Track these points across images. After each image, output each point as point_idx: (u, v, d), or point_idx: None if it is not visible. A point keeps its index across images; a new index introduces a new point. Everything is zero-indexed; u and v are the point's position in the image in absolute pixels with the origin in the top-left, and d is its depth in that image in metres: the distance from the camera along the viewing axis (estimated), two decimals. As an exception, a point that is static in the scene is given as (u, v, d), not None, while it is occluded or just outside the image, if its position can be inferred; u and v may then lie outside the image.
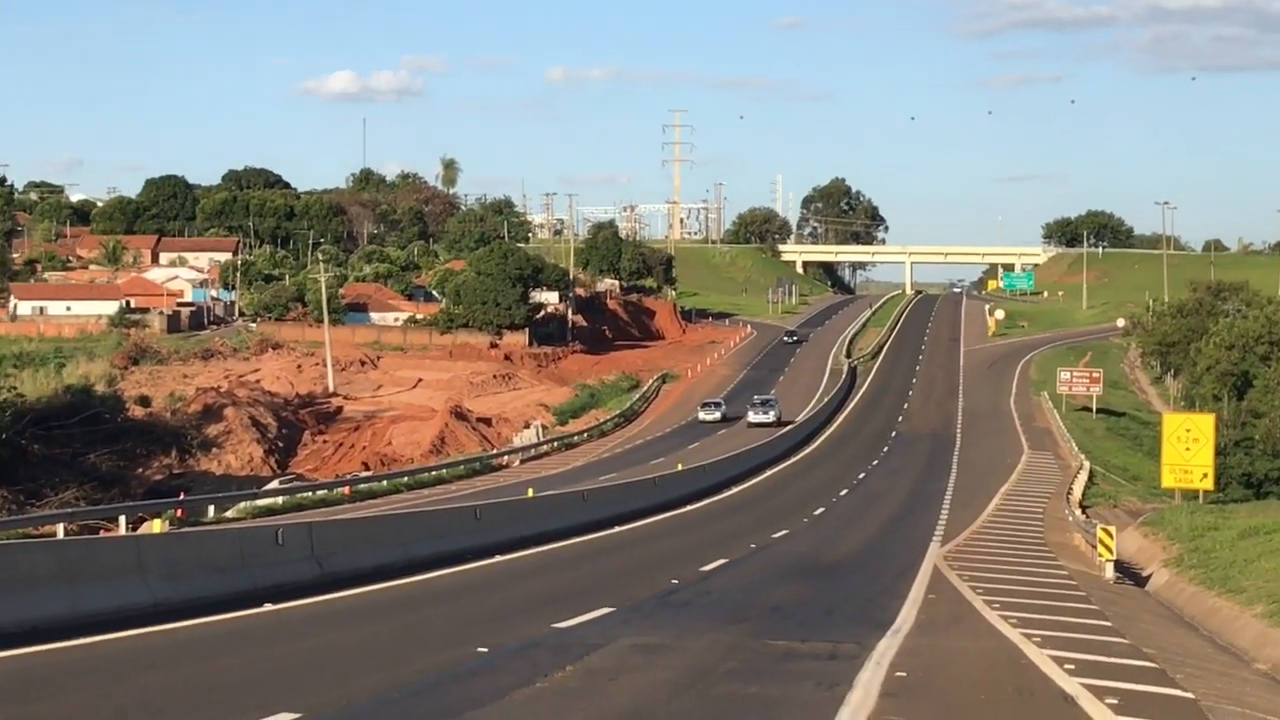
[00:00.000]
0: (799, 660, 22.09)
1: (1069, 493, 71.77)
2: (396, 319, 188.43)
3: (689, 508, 63.22)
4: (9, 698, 17.16)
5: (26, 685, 18.17)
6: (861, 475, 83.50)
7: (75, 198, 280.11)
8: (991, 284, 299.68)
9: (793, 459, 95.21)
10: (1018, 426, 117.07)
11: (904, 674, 20.82)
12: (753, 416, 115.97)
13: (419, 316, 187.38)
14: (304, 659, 21.06)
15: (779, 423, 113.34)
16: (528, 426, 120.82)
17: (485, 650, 21.88)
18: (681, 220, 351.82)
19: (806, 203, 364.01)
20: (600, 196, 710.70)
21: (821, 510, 62.52)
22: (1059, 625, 27.24)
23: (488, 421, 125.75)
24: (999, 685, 20.81)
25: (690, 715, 17.22)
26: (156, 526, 40.27)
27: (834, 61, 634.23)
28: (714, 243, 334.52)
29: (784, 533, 50.76)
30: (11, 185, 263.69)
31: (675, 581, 33.61)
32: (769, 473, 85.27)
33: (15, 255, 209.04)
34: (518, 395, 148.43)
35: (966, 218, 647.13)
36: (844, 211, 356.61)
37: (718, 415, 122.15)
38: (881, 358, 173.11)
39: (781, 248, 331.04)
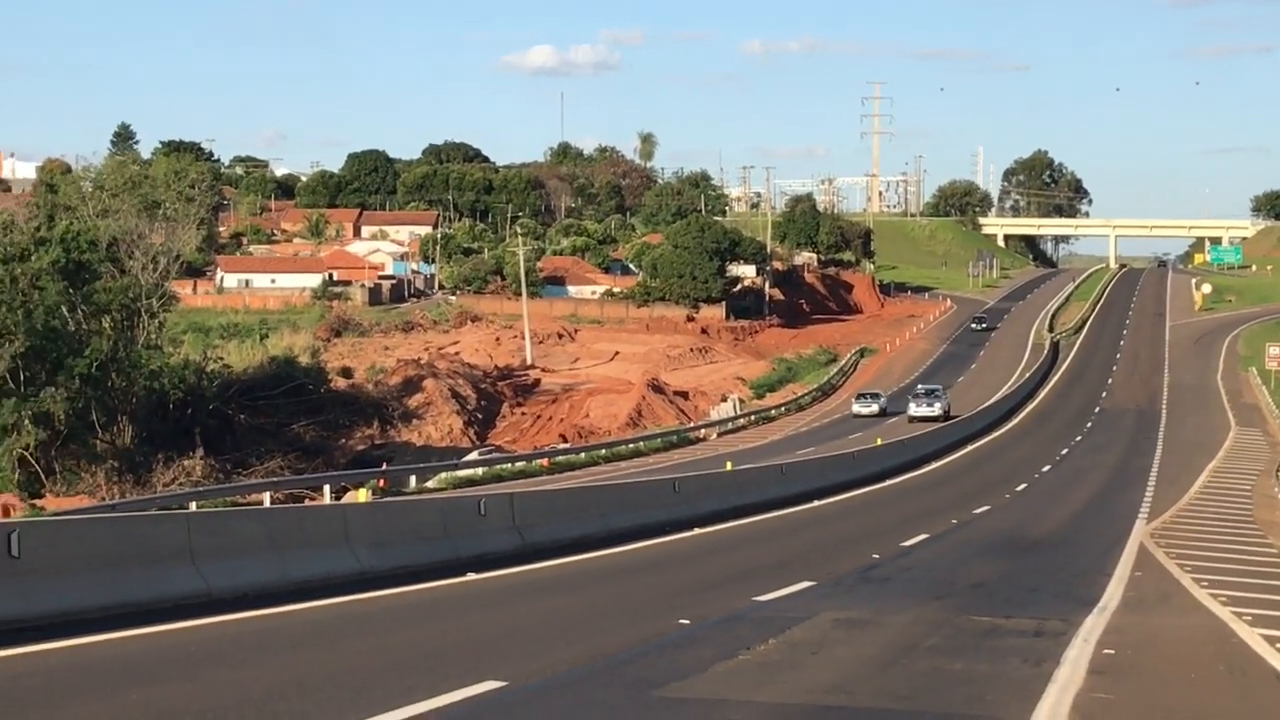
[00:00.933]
0: (1004, 637, 21.83)
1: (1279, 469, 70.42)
2: (594, 292, 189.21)
3: (889, 482, 62.82)
4: (223, 661, 17.44)
5: (240, 649, 18.45)
6: (1064, 451, 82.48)
7: (279, 172, 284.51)
8: (1198, 258, 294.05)
9: (994, 434, 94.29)
10: (1225, 402, 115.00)
11: (1112, 651, 20.49)
12: (915, 409, 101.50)
13: (616, 290, 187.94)
14: (506, 628, 21.17)
15: (946, 416, 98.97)
16: (724, 400, 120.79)
17: (687, 622, 21.86)
18: (880, 193, 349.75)
19: (1008, 175, 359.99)
20: (797, 169, 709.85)
21: (1024, 486, 61.83)
22: (1271, 604, 26.66)
23: (684, 395, 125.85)
24: (1209, 663, 20.40)
25: (895, 690, 17.06)
26: (362, 496, 40.76)
27: (1036, 32, 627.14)
28: (913, 216, 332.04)
29: (986, 508, 50.25)
30: (218, 160, 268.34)
31: (876, 556, 33.40)
32: (970, 448, 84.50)
33: (222, 229, 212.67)
34: (714, 369, 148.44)
35: (1172, 190, 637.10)
36: (1046, 184, 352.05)
37: (875, 409, 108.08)
38: (1085, 332, 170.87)
39: (982, 220, 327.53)
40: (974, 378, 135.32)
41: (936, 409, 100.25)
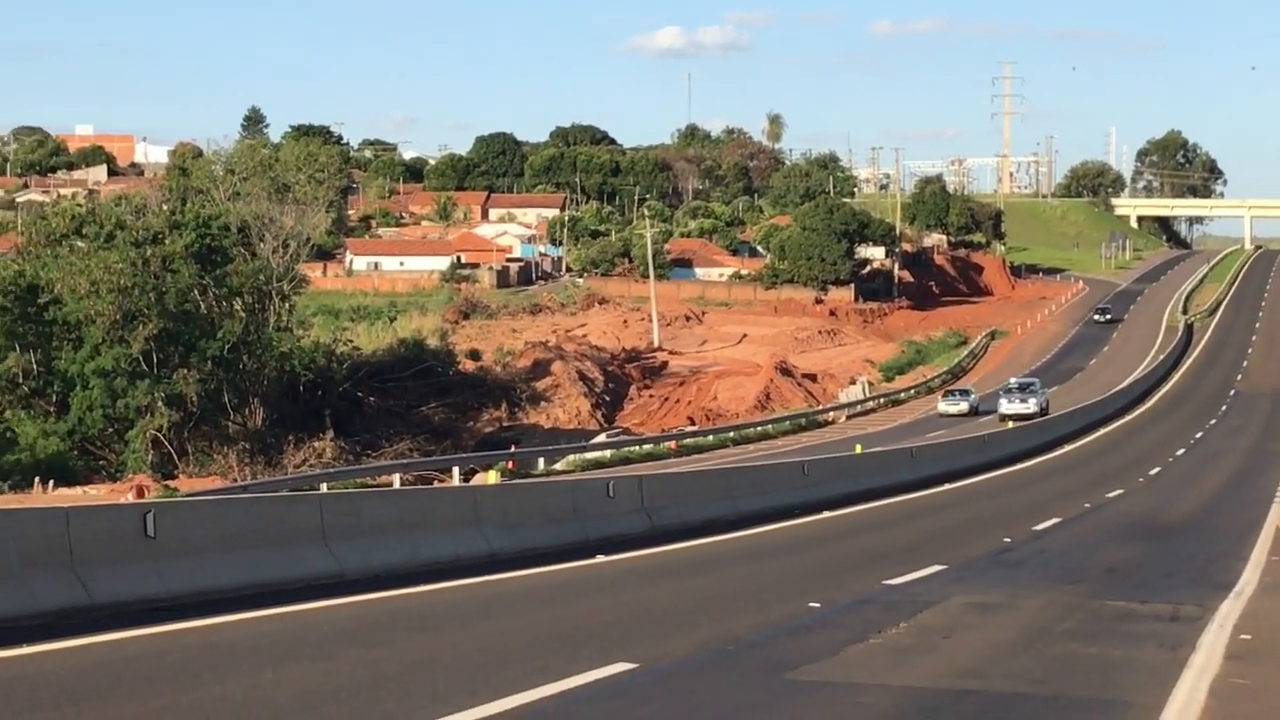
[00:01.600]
0: (1138, 621, 21.57)
1: None
2: (721, 274, 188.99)
3: (1019, 466, 62.35)
4: (356, 641, 17.54)
5: (372, 629, 18.56)
6: (1199, 434, 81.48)
7: (408, 155, 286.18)
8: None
9: (1126, 417, 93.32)
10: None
11: (1248, 637, 20.17)
12: (1006, 406, 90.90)
13: (744, 272, 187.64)
14: (636, 610, 21.17)
15: (1043, 413, 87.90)
16: (853, 383, 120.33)
17: (817, 605, 21.77)
18: (1011, 174, 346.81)
19: (1140, 156, 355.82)
20: (927, 150, 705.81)
21: (1157, 470, 61.12)
22: None
23: (813, 377, 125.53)
24: (1350, 651, 20.05)
25: (1028, 674, 16.89)
26: (491, 478, 40.98)
27: (1168, 11, 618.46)
28: (1044, 197, 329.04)
29: (1118, 492, 49.72)
30: (347, 143, 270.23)
31: (1008, 540, 33.13)
32: (1101, 431, 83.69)
33: (351, 212, 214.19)
34: (843, 351, 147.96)
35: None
36: (1180, 165, 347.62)
37: (964, 407, 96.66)
38: (1219, 314, 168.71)
39: (1114, 201, 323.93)
40: (1106, 360, 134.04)
41: (1031, 406, 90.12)
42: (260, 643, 17.29)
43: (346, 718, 13.22)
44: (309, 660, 16.15)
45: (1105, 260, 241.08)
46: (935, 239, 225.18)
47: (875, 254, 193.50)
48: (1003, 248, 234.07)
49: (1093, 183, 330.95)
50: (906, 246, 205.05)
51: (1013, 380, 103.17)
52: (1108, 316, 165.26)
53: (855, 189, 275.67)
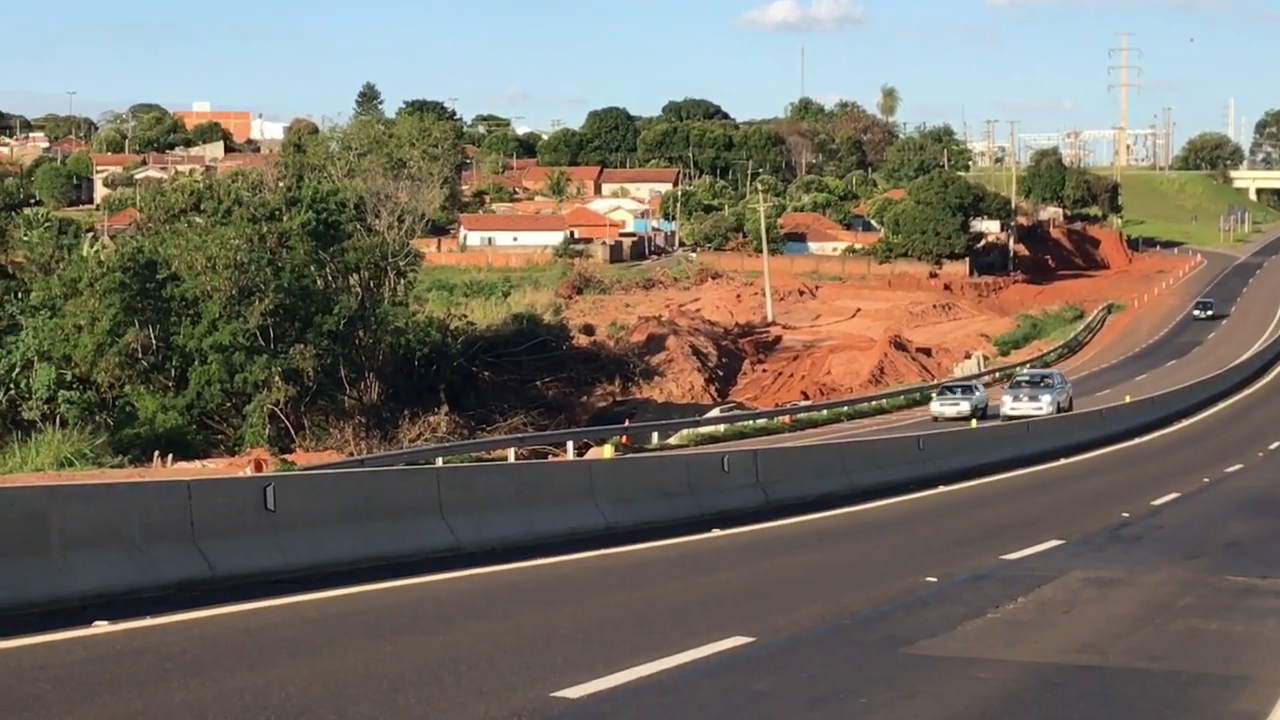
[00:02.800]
0: (1260, 597, 21.32)
1: None
2: (835, 249, 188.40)
3: (1136, 440, 61.80)
4: (474, 614, 17.65)
5: (490, 602, 18.66)
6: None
7: (521, 130, 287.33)
8: None
9: (1244, 392, 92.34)
10: None
11: (1373, 614, 19.91)
12: (1010, 406, 73.51)
13: (857, 246, 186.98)
14: (751, 585, 21.17)
15: (1060, 411, 71.99)
16: (968, 357, 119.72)
17: (934, 580, 21.69)
18: (1128, 146, 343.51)
19: (1260, 127, 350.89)
20: (1042, 123, 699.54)
21: (1277, 445, 60.40)
22: None
23: (927, 352, 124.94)
24: None
25: (1148, 650, 16.75)
26: (607, 452, 41.07)
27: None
28: (1162, 169, 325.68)
29: (1238, 467, 49.19)
30: (461, 119, 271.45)
31: (1126, 515, 32.85)
32: (1220, 406, 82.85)
33: (464, 187, 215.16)
34: (957, 325, 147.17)
35: None
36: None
37: (964, 408, 75.69)
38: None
39: (1233, 174, 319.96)
40: (1225, 334, 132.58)
41: (1044, 406, 72.82)
42: (379, 615, 17.43)
43: (465, 689, 13.31)
44: (427, 632, 16.26)
45: (1223, 233, 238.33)
46: (1051, 212, 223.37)
47: (990, 228, 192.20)
48: (1119, 221, 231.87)
49: (1211, 155, 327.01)
50: (1022, 220, 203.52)
51: (1023, 371, 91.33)
52: (1209, 312, 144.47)
53: (970, 162, 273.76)
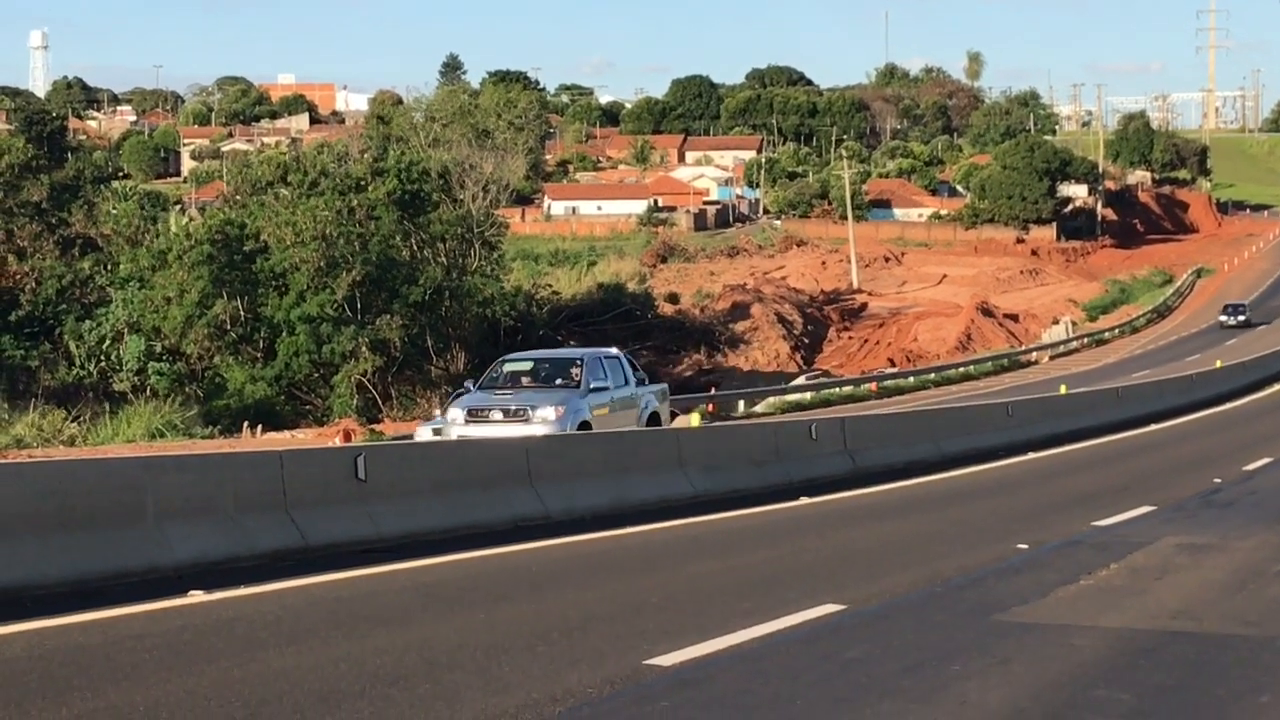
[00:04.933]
0: (1357, 563, 21.10)
1: None
2: (920, 215, 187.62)
3: (1228, 405, 61.28)
4: (564, 582, 17.71)
5: (579, 571, 18.71)
6: None
7: (604, 99, 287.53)
8: None
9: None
10: None
11: None
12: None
13: (943, 212, 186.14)
14: (842, 553, 21.14)
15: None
16: (1056, 323, 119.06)
17: (1025, 547, 21.58)
18: (1216, 109, 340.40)
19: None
20: (1129, 86, 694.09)
21: (1372, 409, 59.77)
22: None
23: (1014, 318, 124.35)
24: None
25: (1243, 616, 16.60)
26: (695, 420, 41.05)
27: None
28: (1251, 132, 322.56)
29: (1331, 431, 48.70)
30: (544, 89, 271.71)
31: (1218, 481, 32.57)
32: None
33: (548, 157, 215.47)
34: (1045, 291, 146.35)
35: None
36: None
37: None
38: None
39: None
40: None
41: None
42: (471, 583, 17.51)
43: (558, 658, 13.35)
44: (520, 601, 16.32)
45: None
46: (1139, 176, 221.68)
47: (1078, 192, 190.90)
48: (1208, 184, 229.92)
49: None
50: (1109, 184, 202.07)
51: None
52: (1240, 318, 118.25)
53: (1056, 126, 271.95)
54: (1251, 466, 36.16)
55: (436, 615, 15.36)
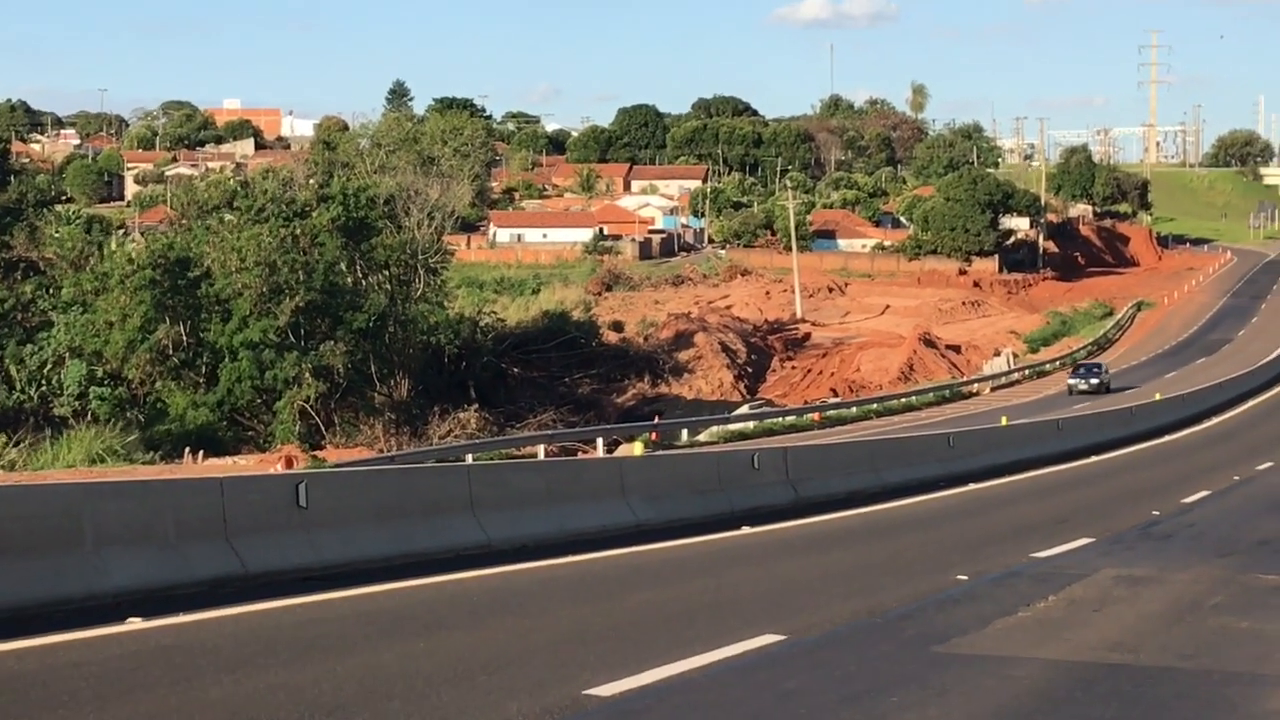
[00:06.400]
0: (1291, 596, 21.28)
1: None
2: (864, 245, 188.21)
3: (1167, 438, 61.64)
4: (505, 611, 17.69)
5: (521, 600, 18.70)
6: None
7: (551, 127, 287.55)
8: None
9: (1275, 389, 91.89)
10: None
11: (1406, 613, 19.84)
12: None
13: (887, 243, 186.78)
14: (783, 583, 21.20)
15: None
16: (998, 354, 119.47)
17: (965, 578, 21.69)
18: (1158, 143, 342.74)
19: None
20: (1072, 120, 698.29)
21: (1308, 442, 60.20)
22: None
23: (956, 349, 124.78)
24: None
25: (1180, 649, 16.73)
26: (637, 449, 41.10)
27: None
28: (1191, 166, 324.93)
29: (1269, 464, 49.03)
30: (491, 116, 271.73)
31: (1156, 513, 32.79)
32: (1250, 403, 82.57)
33: (494, 184, 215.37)
34: (987, 322, 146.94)
35: None
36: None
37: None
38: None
39: (1263, 171, 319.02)
40: (1255, 332, 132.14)
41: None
42: (412, 612, 17.48)
43: (498, 687, 13.35)
44: (460, 630, 16.31)
45: (1254, 230, 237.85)
46: (1081, 209, 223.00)
47: (1020, 225, 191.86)
48: (1149, 218, 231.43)
49: (1240, 152, 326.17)
50: (1051, 217, 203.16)
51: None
52: (1094, 381, 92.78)
53: (999, 159, 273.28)
54: (1190, 499, 36.41)
55: (376, 644, 15.33)
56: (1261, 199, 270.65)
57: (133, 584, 17.49)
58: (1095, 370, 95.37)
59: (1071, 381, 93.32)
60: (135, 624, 15.83)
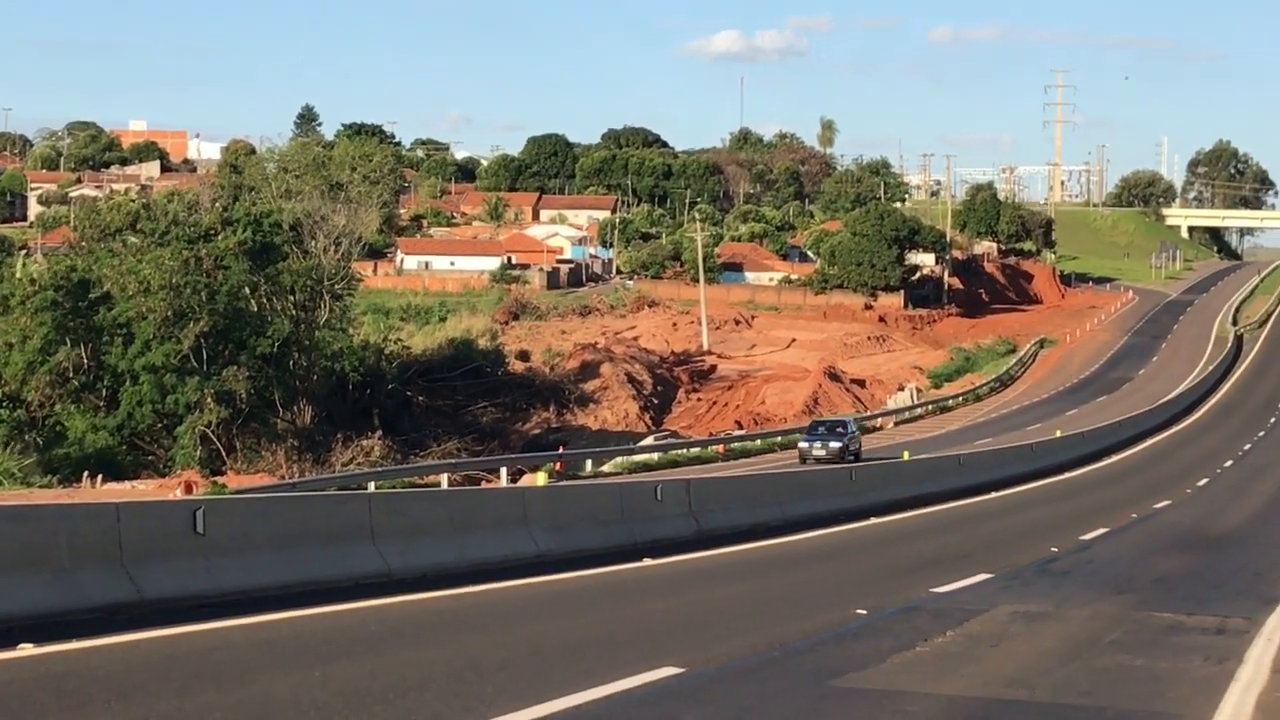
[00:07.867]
0: (1185, 634, 21.46)
1: None
2: (771, 279, 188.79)
3: (1067, 475, 62.15)
4: (404, 641, 17.60)
5: (420, 630, 18.61)
6: (1247, 447, 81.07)
7: (460, 155, 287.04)
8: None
9: (1174, 428, 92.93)
10: None
11: (1297, 652, 20.04)
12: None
13: (794, 277, 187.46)
14: (683, 615, 21.19)
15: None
16: (902, 389, 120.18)
17: (863, 612, 21.75)
18: (1062, 183, 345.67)
19: (1192, 166, 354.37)
20: (979, 158, 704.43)
21: (1205, 481, 60.83)
22: None
23: (861, 383, 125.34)
24: (1401, 667, 19.89)
25: (1075, 685, 16.84)
26: (540, 479, 41.05)
27: (1222, 22, 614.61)
28: (1095, 206, 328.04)
29: (1166, 503, 49.51)
30: (400, 143, 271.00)
31: (1054, 549, 33.02)
32: (1149, 442, 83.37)
33: (402, 211, 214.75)
34: (892, 357, 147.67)
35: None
36: (1232, 175, 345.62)
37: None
38: (1270, 326, 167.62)
39: (1165, 211, 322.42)
40: (1155, 370, 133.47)
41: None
42: (308, 641, 17.35)
43: (394, 718, 13.26)
44: (357, 659, 16.20)
45: (1156, 270, 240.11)
46: (985, 246, 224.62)
47: (925, 261, 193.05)
48: (1053, 256, 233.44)
49: (1144, 192, 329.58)
50: (957, 254, 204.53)
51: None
52: (835, 445, 68.85)
53: (906, 195, 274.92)
54: (1088, 536, 36.69)
55: (271, 673, 15.20)
56: (1163, 239, 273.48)
57: (25, 609, 17.28)
58: (839, 431, 71.16)
59: (804, 445, 69.92)
60: (27, 650, 15.63)
